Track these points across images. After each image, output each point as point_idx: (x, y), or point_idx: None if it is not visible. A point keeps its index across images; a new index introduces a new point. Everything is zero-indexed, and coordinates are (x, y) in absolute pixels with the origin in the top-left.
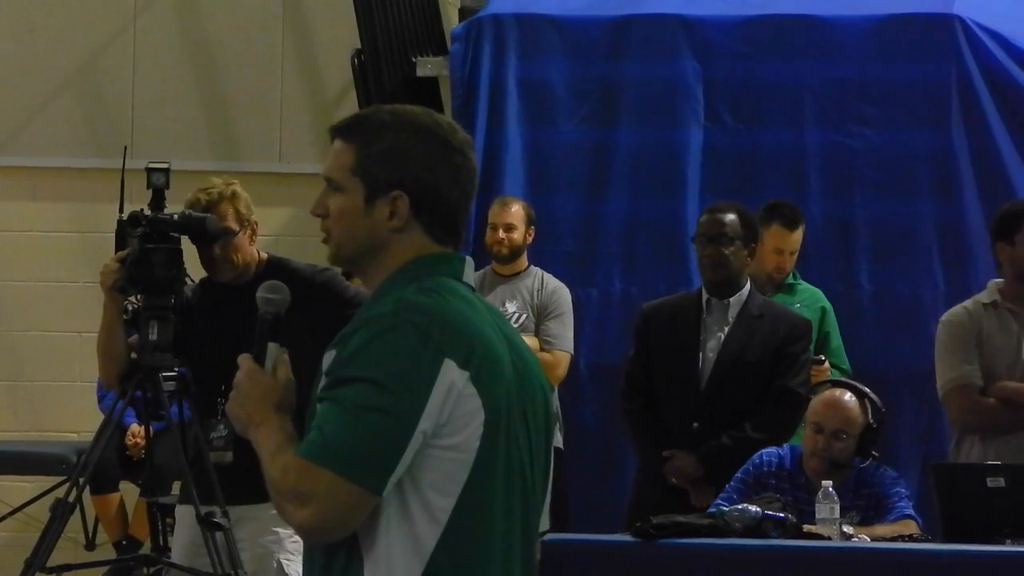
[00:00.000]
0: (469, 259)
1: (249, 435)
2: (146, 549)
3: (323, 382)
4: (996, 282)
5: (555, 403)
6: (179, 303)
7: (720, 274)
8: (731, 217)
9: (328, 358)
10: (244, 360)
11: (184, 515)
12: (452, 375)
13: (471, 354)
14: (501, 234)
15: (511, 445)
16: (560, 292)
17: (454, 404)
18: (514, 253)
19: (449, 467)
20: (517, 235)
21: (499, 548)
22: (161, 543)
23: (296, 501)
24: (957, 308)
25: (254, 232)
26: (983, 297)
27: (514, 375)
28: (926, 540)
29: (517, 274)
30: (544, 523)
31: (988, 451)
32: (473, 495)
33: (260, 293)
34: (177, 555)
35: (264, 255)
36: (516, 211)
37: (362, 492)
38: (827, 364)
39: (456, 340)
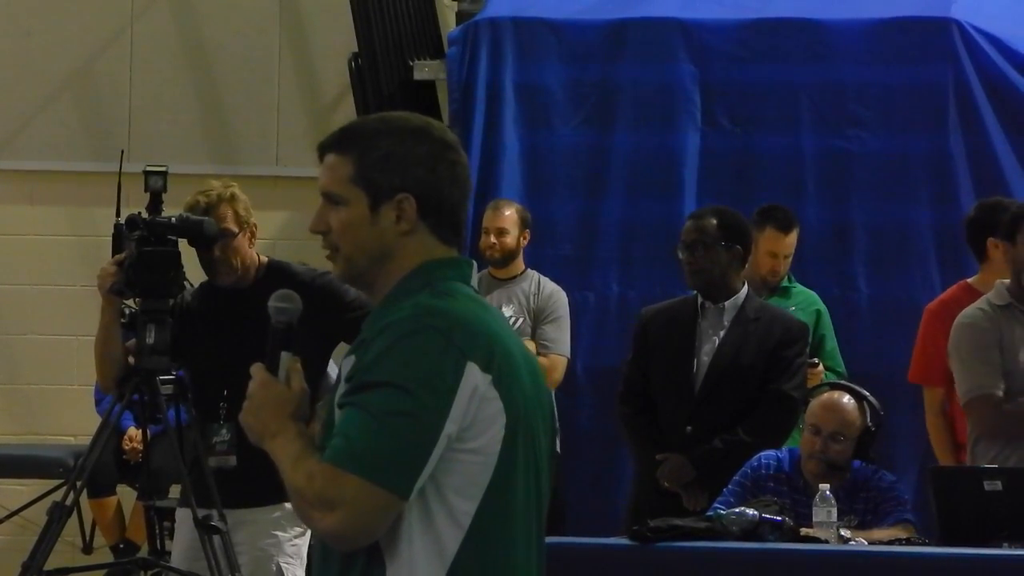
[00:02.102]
0: (474, 263)
1: (265, 445)
2: (143, 552)
3: (344, 388)
4: (1003, 282)
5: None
6: (177, 307)
7: (698, 280)
8: (709, 222)
9: (348, 364)
10: (257, 370)
11: (184, 518)
12: (475, 378)
13: (492, 357)
14: (493, 238)
15: (528, 447)
16: (557, 296)
17: (477, 407)
18: (506, 257)
19: (472, 470)
20: (509, 239)
21: (521, 549)
22: (158, 546)
23: (323, 507)
24: (972, 310)
25: (253, 235)
26: (995, 299)
27: (527, 377)
28: (923, 544)
29: (514, 278)
30: None
31: (1006, 457)
32: (495, 498)
33: (272, 302)
34: (177, 558)
35: (264, 259)
36: (509, 215)
37: (389, 497)
38: (821, 367)
39: (477, 343)
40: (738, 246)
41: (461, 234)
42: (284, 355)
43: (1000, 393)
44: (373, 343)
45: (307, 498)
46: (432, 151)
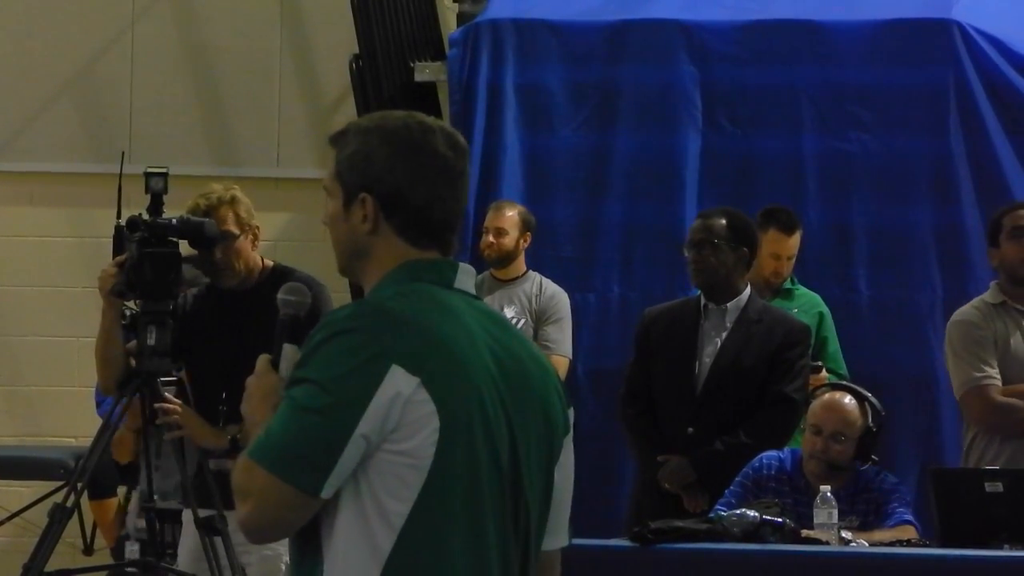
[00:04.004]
0: (465, 266)
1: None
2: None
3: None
4: (998, 283)
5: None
6: (178, 308)
7: (703, 279)
8: (718, 222)
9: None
10: (260, 360)
11: (190, 520)
12: (398, 381)
13: (425, 360)
14: (491, 238)
15: (476, 453)
16: (558, 297)
17: (403, 410)
18: (503, 258)
19: (402, 472)
20: (508, 240)
21: (461, 555)
22: (159, 548)
23: (239, 498)
24: (967, 308)
25: (256, 237)
26: (990, 298)
27: (500, 383)
28: (924, 545)
29: (515, 279)
30: (562, 539)
31: (1003, 453)
32: (430, 502)
33: (280, 295)
34: (183, 560)
35: (270, 263)
36: (510, 216)
37: (296, 493)
38: (824, 372)
39: (409, 345)
40: (744, 248)
41: (442, 236)
42: (287, 347)
43: (994, 383)
44: (313, 338)
45: (232, 487)
46: (395, 151)
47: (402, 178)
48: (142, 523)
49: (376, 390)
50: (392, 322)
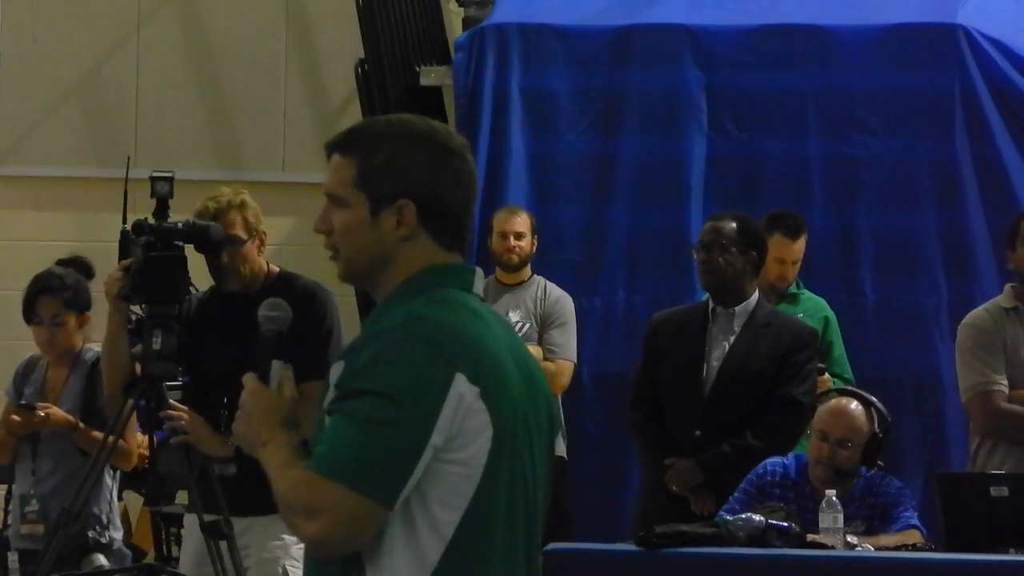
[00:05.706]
0: (479, 270)
1: (256, 454)
2: (150, 558)
3: (332, 395)
4: (1013, 286)
5: (559, 412)
6: (184, 312)
7: (711, 280)
8: (728, 225)
9: (336, 370)
10: (248, 379)
11: (193, 524)
12: (462, 389)
13: (479, 368)
14: (512, 242)
15: (516, 459)
16: (563, 301)
17: (463, 419)
18: (524, 261)
19: (456, 481)
20: (526, 243)
21: (501, 563)
22: (164, 552)
23: (306, 515)
24: (978, 311)
25: (262, 242)
26: (1003, 301)
27: (522, 388)
28: (930, 550)
29: (521, 283)
30: None
31: (1009, 458)
32: (478, 510)
33: (261, 311)
34: (185, 564)
35: (275, 269)
36: (524, 219)
37: (372, 505)
38: (827, 375)
39: (466, 354)
40: (753, 252)
41: (465, 239)
42: (275, 363)
43: (1001, 388)
44: (363, 350)
45: (291, 506)
46: (434, 157)
47: (443, 183)
48: (26, 528)
49: (445, 399)
50: (447, 331)
